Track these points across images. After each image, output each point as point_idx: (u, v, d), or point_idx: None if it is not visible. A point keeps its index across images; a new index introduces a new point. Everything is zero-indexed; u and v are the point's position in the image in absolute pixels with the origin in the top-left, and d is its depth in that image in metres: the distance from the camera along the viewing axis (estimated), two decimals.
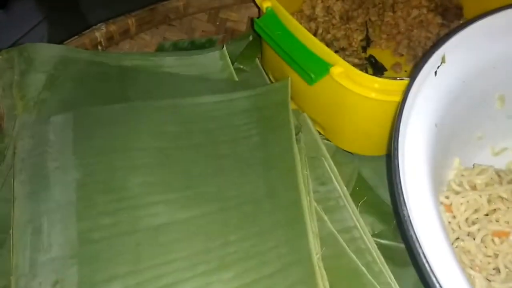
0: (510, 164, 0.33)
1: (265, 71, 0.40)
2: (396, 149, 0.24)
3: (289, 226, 0.28)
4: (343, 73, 0.29)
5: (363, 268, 0.28)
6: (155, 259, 0.26)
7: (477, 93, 0.29)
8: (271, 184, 0.30)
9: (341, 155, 0.35)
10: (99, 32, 0.40)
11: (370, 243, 0.29)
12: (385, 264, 0.28)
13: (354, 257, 0.28)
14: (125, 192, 0.28)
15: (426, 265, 0.21)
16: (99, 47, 0.40)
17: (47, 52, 0.35)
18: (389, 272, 0.28)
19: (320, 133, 0.35)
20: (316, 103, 0.34)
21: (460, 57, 0.28)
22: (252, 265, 0.27)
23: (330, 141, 0.35)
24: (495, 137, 0.33)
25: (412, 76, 0.26)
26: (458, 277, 0.21)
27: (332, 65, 0.29)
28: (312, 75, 0.29)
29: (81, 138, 0.30)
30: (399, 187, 0.23)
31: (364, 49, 0.42)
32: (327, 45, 0.39)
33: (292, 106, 0.36)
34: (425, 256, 0.22)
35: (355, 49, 0.41)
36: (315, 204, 0.30)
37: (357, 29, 0.42)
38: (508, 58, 0.29)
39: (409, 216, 0.22)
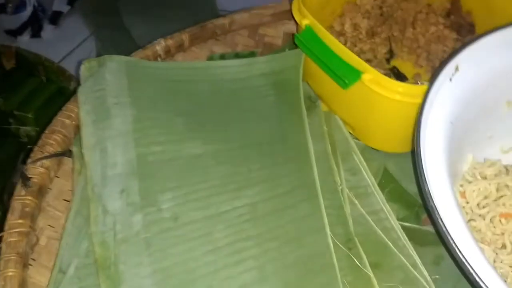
0: None
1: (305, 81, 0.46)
2: (418, 141, 0.29)
3: (297, 160, 0.36)
4: (372, 79, 0.34)
5: (389, 243, 0.33)
6: (195, 178, 0.34)
7: (487, 98, 0.34)
8: (283, 132, 0.38)
9: (369, 152, 0.40)
10: (160, 46, 0.47)
11: (395, 223, 0.34)
12: (407, 240, 0.33)
13: (381, 234, 0.33)
14: (171, 128, 0.36)
15: (447, 236, 0.26)
16: (159, 59, 0.47)
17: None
18: (411, 247, 0.33)
19: (350, 133, 0.41)
20: (348, 105, 0.39)
21: (472, 66, 0.33)
22: (269, 186, 0.35)
23: (359, 140, 0.41)
24: (504, 137, 0.37)
25: (431, 81, 0.32)
26: (470, 241, 0.26)
27: (363, 73, 0.35)
28: (346, 81, 0.35)
29: (133, 83, 0.39)
30: (423, 177, 0.28)
31: (388, 61, 0.47)
32: None
33: (324, 108, 0.42)
34: (447, 230, 0.26)
35: (379, 60, 0.47)
36: (347, 191, 0.36)
37: (381, 43, 0.47)
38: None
39: (431, 198, 0.27)
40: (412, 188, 0.38)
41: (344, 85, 0.35)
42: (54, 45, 0.90)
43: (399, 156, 0.40)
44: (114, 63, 0.40)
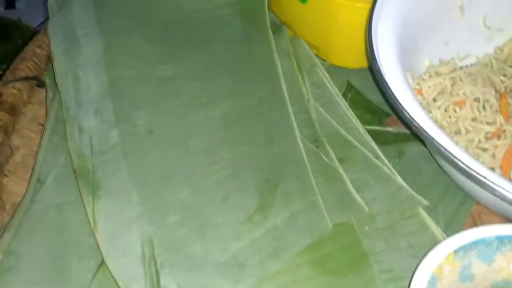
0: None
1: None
2: (370, 35, 0.31)
3: (266, 75, 0.38)
4: None
5: (353, 139, 0.35)
6: (167, 95, 0.36)
7: (440, 1, 0.36)
8: (251, 52, 0.40)
9: (333, 69, 0.42)
10: None
11: (358, 124, 0.36)
12: (370, 137, 0.36)
13: (345, 133, 0.35)
14: (142, 54, 0.38)
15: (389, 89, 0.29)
16: None
17: None
18: (374, 143, 0.35)
19: (315, 54, 0.43)
20: (311, 24, 0.41)
21: None
22: (240, 99, 0.37)
23: (325, 60, 0.43)
24: (459, 44, 0.39)
25: None
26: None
27: None
28: None
29: (101, 14, 0.40)
30: (377, 68, 0.30)
31: None
32: None
33: (289, 34, 0.43)
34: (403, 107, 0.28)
35: None
36: (313, 101, 0.38)
37: None
38: None
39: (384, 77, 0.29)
40: (375, 98, 0.40)
41: None
42: (29, 14, 0.89)
43: (362, 71, 0.42)
44: None
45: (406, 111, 0.28)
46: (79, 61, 0.37)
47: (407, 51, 0.34)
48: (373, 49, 0.30)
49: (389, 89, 0.28)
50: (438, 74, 0.36)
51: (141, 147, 0.33)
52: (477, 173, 0.25)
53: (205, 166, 0.32)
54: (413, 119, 0.27)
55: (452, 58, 0.38)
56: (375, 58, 0.30)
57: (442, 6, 0.37)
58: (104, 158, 0.32)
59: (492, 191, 0.25)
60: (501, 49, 0.39)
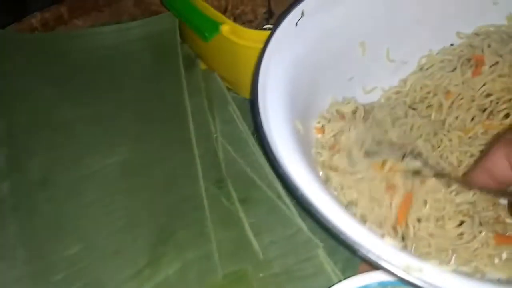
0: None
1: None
2: (256, 87, 0.30)
3: (173, 116, 0.38)
4: (230, 29, 0.36)
5: (257, 180, 0.35)
6: (65, 141, 0.35)
7: (338, 40, 0.36)
8: (160, 91, 0.39)
9: (247, 104, 0.42)
10: (35, 19, 0.46)
11: (264, 162, 0.36)
12: (275, 176, 0.36)
13: (250, 172, 0.35)
14: (40, 98, 0.37)
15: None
16: (36, 32, 0.46)
17: None
18: (278, 181, 0.35)
19: (228, 88, 0.43)
20: (218, 60, 0.41)
21: (319, 10, 0.34)
22: (143, 142, 0.36)
23: (238, 94, 0.43)
24: (364, 78, 0.39)
25: (274, 27, 0.33)
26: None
27: (221, 24, 0.36)
28: (206, 34, 0.36)
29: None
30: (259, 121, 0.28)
31: (267, 20, 0.49)
32: (236, 18, 0.47)
33: (203, 66, 0.43)
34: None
35: (259, 21, 0.49)
36: (221, 139, 0.38)
37: (261, 4, 0.49)
38: (361, 8, 0.36)
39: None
40: None
41: (205, 38, 0.37)
42: None
43: None
44: None
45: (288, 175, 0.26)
46: None
47: (305, 95, 0.34)
48: (258, 107, 0.29)
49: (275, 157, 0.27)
50: (340, 113, 0.36)
51: (33, 199, 0.32)
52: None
53: (99, 217, 0.31)
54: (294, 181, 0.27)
55: (353, 97, 0.38)
56: (259, 117, 0.28)
57: (341, 45, 0.37)
58: None
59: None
60: (404, 81, 0.40)
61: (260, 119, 0.28)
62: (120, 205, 0.32)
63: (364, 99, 0.39)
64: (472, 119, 0.36)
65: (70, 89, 0.38)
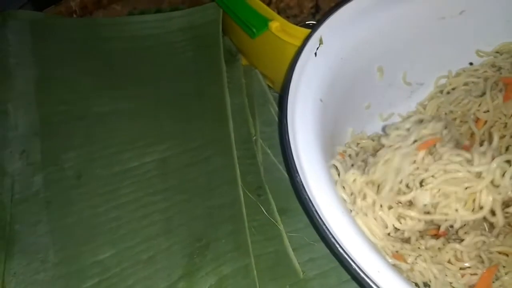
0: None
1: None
2: (286, 125, 0.27)
3: (213, 114, 0.35)
4: (279, 26, 0.34)
5: None
6: (102, 136, 0.33)
7: (356, 67, 0.32)
8: (200, 86, 0.37)
9: None
10: (74, 2, 0.44)
11: None
12: None
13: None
14: (78, 87, 0.35)
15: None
16: (74, 16, 0.44)
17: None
18: None
19: (269, 87, 0.40)
20: (263, 57, 0.38)
21: (336, 37, 0.31)
22: (181, 141, 0.34)
23: (279, 94, 0.40)
24: (381, 105, 0.35)
25: (294, 59, 0.30)
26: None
27: (270, 20, 0.34)
28: (254, 30, 0.34)
29: (38, 42, 0.37)
30: (291, 158, 0.26)
31: (314, 15, 0.46)
32: (280, 11, 0.44)
33: (245, 62, 0.41)
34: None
35: (306, 15, 0.46)
36: (261, 142, 0.36)
37: None
38: (379, 32, 0.32)
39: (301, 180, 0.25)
40: None
41: (253, 34, 0.34)
42: None
43: None
44: (18, 21, 0.38)
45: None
46: (10, 94, 0.34)
47: (330, 128, 0.30)
48: (291, 150, 0.26)
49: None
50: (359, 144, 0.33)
51: (66, 195, 0.31)
52: None
53: (134, 221, 0.30)
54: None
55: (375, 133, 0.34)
56: (293, 161, 0.26)
57: (359, 72, 0.33)
58: (25, 207, 0.30)
59: None
60: (423, 105, 0.36)
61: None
62: (157, 208, 0.30)
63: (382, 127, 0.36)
64: (507, 148, 0.32)
65: (109, 80, 0.36)
